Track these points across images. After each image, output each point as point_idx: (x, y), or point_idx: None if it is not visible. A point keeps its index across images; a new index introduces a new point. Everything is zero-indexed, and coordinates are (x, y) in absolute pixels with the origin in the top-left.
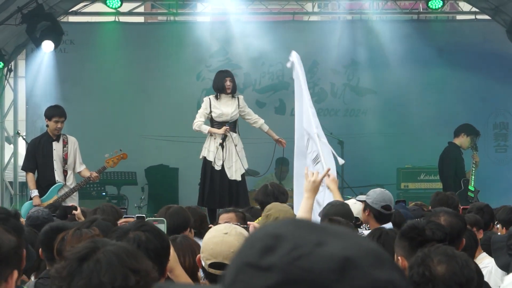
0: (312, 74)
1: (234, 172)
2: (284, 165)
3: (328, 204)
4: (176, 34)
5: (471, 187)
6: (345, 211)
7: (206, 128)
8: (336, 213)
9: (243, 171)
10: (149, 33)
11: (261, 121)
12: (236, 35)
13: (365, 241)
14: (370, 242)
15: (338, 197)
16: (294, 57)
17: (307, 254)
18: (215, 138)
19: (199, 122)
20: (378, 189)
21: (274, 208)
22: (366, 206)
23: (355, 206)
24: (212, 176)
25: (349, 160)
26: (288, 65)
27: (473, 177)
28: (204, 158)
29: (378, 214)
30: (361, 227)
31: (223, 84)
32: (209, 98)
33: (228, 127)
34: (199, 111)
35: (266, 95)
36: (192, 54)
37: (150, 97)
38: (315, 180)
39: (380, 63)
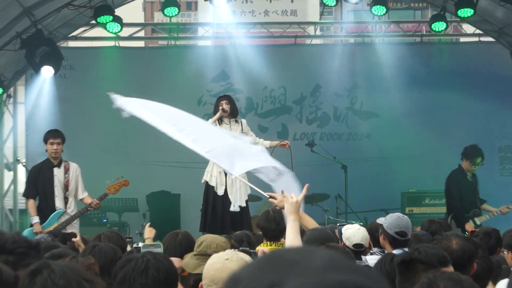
0: (314, 98)
1: (239, 198)
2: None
3: (309, 230)
4: (177, 59)
5: (476, 225)
6: (325, 236)
7: (210, 121)
8: (316, 238)
9: (246, 197)
10: (149, 58)
11: (261, 141)
12: (237, 59)
13: (338, 276)
14: (350, 275)
15: (311, 222)
16: (124, 102)
17: None
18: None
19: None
20: (396, 214)
21: (206, 240)
22: (382, 230)
23: (359, 232)
24: (214, 202)
25: (353, 185)
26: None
27: (483, 220)
28: (206, 182)
29: (392, 239)
30: (370, 253)
31: (218, 108)
32: (215, 122)
33: (223, 107)
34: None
35: (268, 119)
36: (193, 79)
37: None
38: (297, 201)
39: (383, 86)
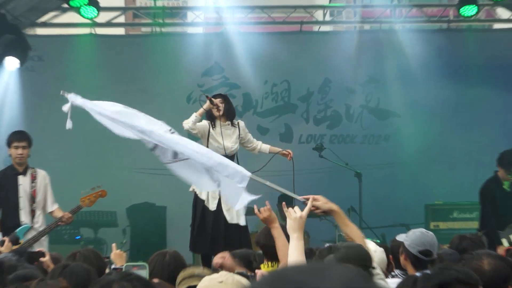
0: (323, 94)
1: (236, 215)
2: (288, 203)
3: (343, 247)
4: (163, 48)
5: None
6: (363, 256)
7: (194, 116)
8: (352, 258)
9: (240, 216)
10: (130, 47)
11: (259, 144)
12: (233, 49)
13: None
14: None
15: (357, 234)
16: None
17: None
18: None
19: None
20: (419, 230)
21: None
22: (403, 249)
23: (375, 254)
24: (203, 216)
25: (368, 196)
26: (65, 108)
27: None
28: (195, 193)
29: (414, 259)
30: (391, 275)
31: (211, 110)
32: (209, 124)
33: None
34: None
35: (269, 119)
36: (181, 72)
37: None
38: (301, 216)
39: (404, 81)
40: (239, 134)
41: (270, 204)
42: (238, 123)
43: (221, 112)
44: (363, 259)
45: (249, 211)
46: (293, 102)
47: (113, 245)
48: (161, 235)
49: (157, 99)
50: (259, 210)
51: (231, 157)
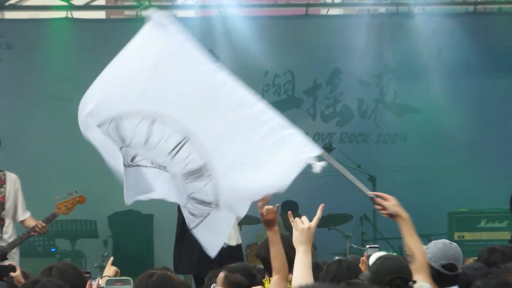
0: (332, 87)
1: (234, 236)
2: (293, 210)
3: (378, 258)
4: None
5: None
6: (400, 268)
7: None
8: (388, 270)
9: (238, 235)
10: (112, 33)
11: None
12: (229, 35)
13: None
14: None
15: (418, 245)
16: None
17: None
18: None
19: None
20: (442, 242)
21: None
22: None
23: None
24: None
25: None
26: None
27: None
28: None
29: (437, 274)
30: None
31: None
32: None
33: None
34: None
35: None
36: None
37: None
38: (309, 227)
39: (425, 71)
40: None
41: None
42: None
43: None
44: (402, 271)
45: (247, 220)
46: (297, 96)
47: (110, 260)
48: (147, 248)
49: None
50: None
51: None
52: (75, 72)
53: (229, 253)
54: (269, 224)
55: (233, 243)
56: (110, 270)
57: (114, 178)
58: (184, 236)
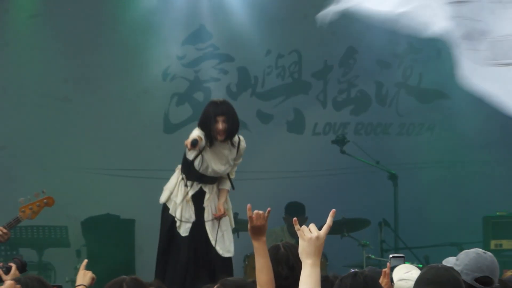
0: (346, 69)
1: (229, 246)
2: (299, 213)
3: (427, 267)
4: (131, 8)
5: None
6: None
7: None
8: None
9: (232, 247)
10: (87, 7)
11: (229, 179)
12: (225, 8)
13: None
14: None
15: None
16: None
17: None
18: (185, 185)
19: None
20: (475, 251)
21: None
22: None
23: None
24: (173, 238)
25: (406, 204)
26: None
27: None
28: (165, 206)
29: None
30: None
31: (210, 126)
32: (202, 138)
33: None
34: None
35: (272, 102)
36: (155, 40)
37: (88, 109)
38: (317, 236)
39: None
40: (235, 157)
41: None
42: (239, 142)
43: (223, 137)
44: (443, 284)
45: (244, 226)
46: (305, 79)
47: (83, 264)
48: (128, 258)
49: (123, 75)
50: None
51: (213, 178)
52: (39, 52)
53: (221, 266)
54: (256, 232)
55: (229, 254)
56: (85, 276)
57: (88, 177)
58: (171, 244)
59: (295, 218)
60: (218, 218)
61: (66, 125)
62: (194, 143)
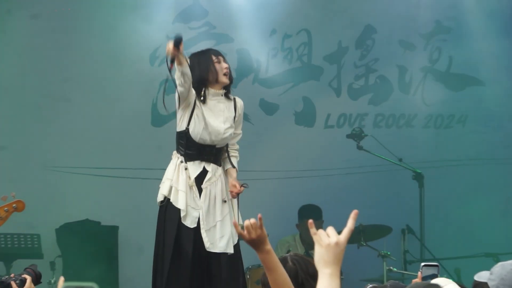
0: (364, 51)
1: (219, 239)
2: (316, 218)
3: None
4: None
5: None
6: None
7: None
8: None
9: (236, 238)
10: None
11: (237, 156)
12: None
13: None
14: None
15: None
16: None
17: None
18: (186, 168)
19: None
20: (511, 263)
21: None
22: None
23: None
24: (179, 238)
25: (433, 209)
26: None
27: None
28: (166, 202)
29: None
30: None
31: (208, 72)
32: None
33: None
34: None
35: (278, 90)
36: (143, 18)
37: (67, 98)
38: (337, 242)
39: (492, 29)
40: (235, 116)
41: (263, 219)
42: (235, 99)
43: (228, 79)
44: None
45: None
46: (316, 63)
47: (61, 279)
48: (110, 271)
49: (107, 59)
50: (243, 228)
51: (219, 149)
52: (22, 35)
53: (228, 268)
54: (255, 245)
55: (215, 250)
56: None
57: (63, 177)
58: (170, 248)
59: (310, 220)
60: (235, 196)
61: (40, 118)
62: (178, 40)
